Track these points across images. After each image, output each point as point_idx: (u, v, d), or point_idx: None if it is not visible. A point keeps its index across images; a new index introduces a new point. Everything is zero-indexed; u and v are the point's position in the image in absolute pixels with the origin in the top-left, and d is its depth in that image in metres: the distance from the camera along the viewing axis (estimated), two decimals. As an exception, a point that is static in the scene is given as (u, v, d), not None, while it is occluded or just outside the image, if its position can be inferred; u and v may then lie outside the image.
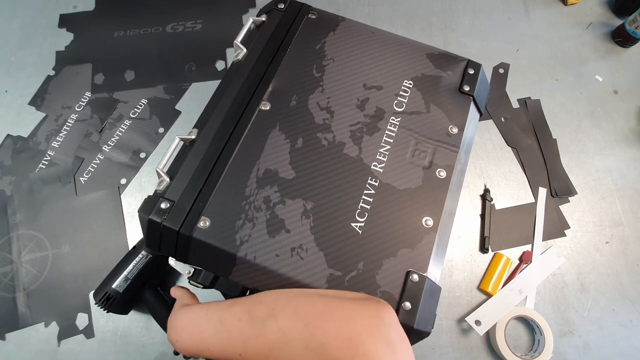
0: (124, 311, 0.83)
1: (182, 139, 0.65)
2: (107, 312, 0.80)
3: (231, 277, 0.59)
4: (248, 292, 0.68)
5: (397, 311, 0.55)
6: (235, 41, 0.73)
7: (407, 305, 0.56)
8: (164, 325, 0.84)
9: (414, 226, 0.61)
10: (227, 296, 0.71)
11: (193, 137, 0.65)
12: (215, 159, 0.62)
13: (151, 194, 0.61)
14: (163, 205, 0.58)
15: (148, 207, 0.59)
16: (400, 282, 0.57)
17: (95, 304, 0.80)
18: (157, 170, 0.61)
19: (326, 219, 0.60)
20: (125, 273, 0.81)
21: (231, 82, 0.69)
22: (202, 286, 0.66)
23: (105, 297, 0.80)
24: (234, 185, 0.61)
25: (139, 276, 0.82)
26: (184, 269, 0.65)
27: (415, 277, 0.58)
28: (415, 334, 0.56)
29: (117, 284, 0.81)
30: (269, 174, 0.62)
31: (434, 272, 0.60)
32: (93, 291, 0.84)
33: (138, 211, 0.59)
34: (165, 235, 0.59)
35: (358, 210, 0.61)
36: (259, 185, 0.61)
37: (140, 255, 0.83)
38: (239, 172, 0.62)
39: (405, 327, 0.55)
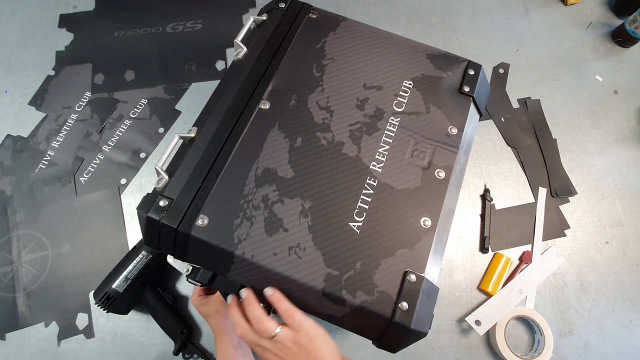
0: (124, 311, 0.83)
1: (181, 137, 0.65)
2: (107, 312, 0.81)
3: (229, 275, 0.59)
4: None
5: (393, 311, 0.55)
6: (235, 40, 0.72)
7: (405, 305, 0.56)
8: (163, 325, 0.84)
9: (412, 226, 0.61)
10: (225, 295, 0.71)
11: (192, 135, 0.65)
12: (214, 158, 0.62)
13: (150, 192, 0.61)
14: (162, 203, 0.58)
15: (147, 204, 0.59)
16: (398, 282, 0.57)
17: (95, 303, 0.81)
18: (156, 168, 0.61)
19: (324, 218, 0.60)
20: (125, 273, 0.82)
21: (231, 81, 0.69)
22: (200, 284, 0.66)
23: (105, 297, 0.80)
24: (232, 183, 0.61)
25: (139, 276, 0.82)
26: (182, 267, 0.65)
27: (412, 277, 0.57)
28: (412, 335, 0.56)
29: (117, 284, 0.81)
30: (268, 172, 0.62)
31: (431, 273, 0.60)
32: (93, 291, 0.84)
33: (137, 208, 0.59)
34: (163, 233, 0.58)
35: (356, 210, 0.61)
36: (258, 184, 0.61)
37: (140, 256, 0.83)
38: (238, 170, 0.62)
39: (402, 328, 0.55)
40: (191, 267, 0.66)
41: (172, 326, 0.83)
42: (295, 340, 0.56)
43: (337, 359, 0.58)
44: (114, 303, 0.80)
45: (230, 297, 0.61)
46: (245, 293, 0.60)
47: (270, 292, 0.58)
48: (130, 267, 0.82)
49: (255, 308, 0.58)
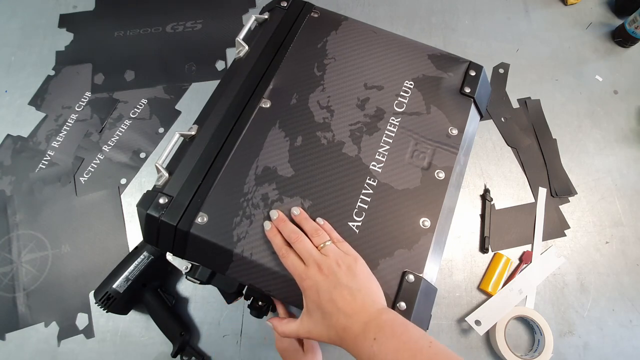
0: (123, 311, 0.83)
1: (182, 135, 0.65)
2: (106, 312, 0.80)
3: (228, 273, 0.59)
4: (245, 288, 0.68)
5: None
6: (237, 38, 0.73)
7: (402, 305, 0.56)
8: (162, 327, 0.84)
9: (411, 227, 0.61)
10: (223, 293, 0.71)
11: (193, 133, 0.65)
12: (214, 156, 0.62)
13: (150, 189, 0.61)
14: (161, 200, 0.59)
15: (146, 201, 0.59)
16: (396, 283, 0.58)
17: (95, 303, 0.80)
18: (156, 166, 0.62)
19: (323, 217, 0.60)
20: (126, 274, 0.81)
21: (232, 79, 0.70)
22: (199, 282, 0.66)
23: (106, 296, 0.80)
24: (232, 182, 0.61)
25: (140, 277, 0.82)
26: (182, 265, 0.65)
27: (411, 277, 0.57)
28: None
29: (118, 284, 0.80)
30: (268, 171, 0.62)
31: (430, 273, 0.60)
32: (93, 290, 0.84)
33: (137, 205, 0.59)
34: (162, 230, 0.59)
35: (356, 210, 0.61)
36: (257, 183, 0.61)
37: (141, 257, 0.83)
38: (238, 169, 0.62)
39: None
40: (190, 265, 0.66)
41: (171, 328, 0.83)
42: (342, 259, 0.54)
43: (381, 296, 0.54)
44: (114, 303, 0.80)
45: (267, 223, 0.59)
46: (276, 214, 0.59)
47: (298, 211, 0.59)
48: (131, 267, 0.82)
49: (311, 221, 0.58)
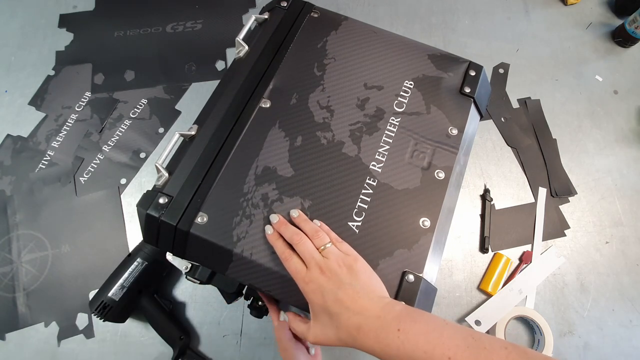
0: (121, 319, 0.82)
1: (182, 135, 0.65)
2: (103, 321, 0.80)
3: (227, 273, 0.59)
4: (245, 288, 0.68)
5: None
6: (237, 38, 0.73)
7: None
8: (161, 332, 0.83)
9: (411, 227, 0.61)
10: (223, 293, 0.70)
11: (193, 133, 0.65)
12: (214, 156, 0.62)
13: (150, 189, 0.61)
14: (161, 200, 0.59)
15: (146, 201, 0.59)
16: (396, 283, 0.57)
17: (92, 313, 0.80)
18: (156, 165, 0.62)
19: (323, 217, 0.60)
20: (121, 281, 0.81)
21: (232, 79, 0.70)
22: (199, 282, 0.66)
23: (102, 306, 0.79)
24: (232, 181, 0.61)
25: (135, 283, 0.82)
26: (182, 265, 0.65)
27: (410, 277, 0.57)
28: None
29: (113, 292, 0.80)
30: (268, 171, 0.62)
31: (429, 273, 0.60)
32: (93, 291, 0.84)
33: (137, 205, 0.59)
34: (162, 230, 0.59)
35: (355, 210, 0.61)
36: (257, 183, 0.61)
37: (135, 263, 0.82)
38: (238, 168, 0.62)
39: None
40: (190, 265, 0.66)
41: (170, 333, 0.83)
42: (343, 260, 0.54)
43: (384, 291, 0.55)
44: (111, 311, 0.79)
45: (268, 227, 0.58)
46: (277, 218, 0.59)
47: (297, 213, 0.59)
48: (126, 274, 0.81)
49: (310, 223, 0.58)
